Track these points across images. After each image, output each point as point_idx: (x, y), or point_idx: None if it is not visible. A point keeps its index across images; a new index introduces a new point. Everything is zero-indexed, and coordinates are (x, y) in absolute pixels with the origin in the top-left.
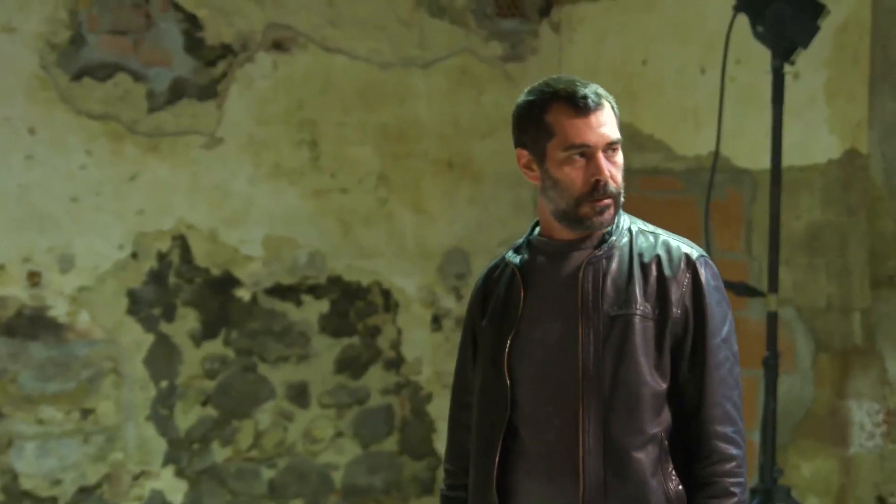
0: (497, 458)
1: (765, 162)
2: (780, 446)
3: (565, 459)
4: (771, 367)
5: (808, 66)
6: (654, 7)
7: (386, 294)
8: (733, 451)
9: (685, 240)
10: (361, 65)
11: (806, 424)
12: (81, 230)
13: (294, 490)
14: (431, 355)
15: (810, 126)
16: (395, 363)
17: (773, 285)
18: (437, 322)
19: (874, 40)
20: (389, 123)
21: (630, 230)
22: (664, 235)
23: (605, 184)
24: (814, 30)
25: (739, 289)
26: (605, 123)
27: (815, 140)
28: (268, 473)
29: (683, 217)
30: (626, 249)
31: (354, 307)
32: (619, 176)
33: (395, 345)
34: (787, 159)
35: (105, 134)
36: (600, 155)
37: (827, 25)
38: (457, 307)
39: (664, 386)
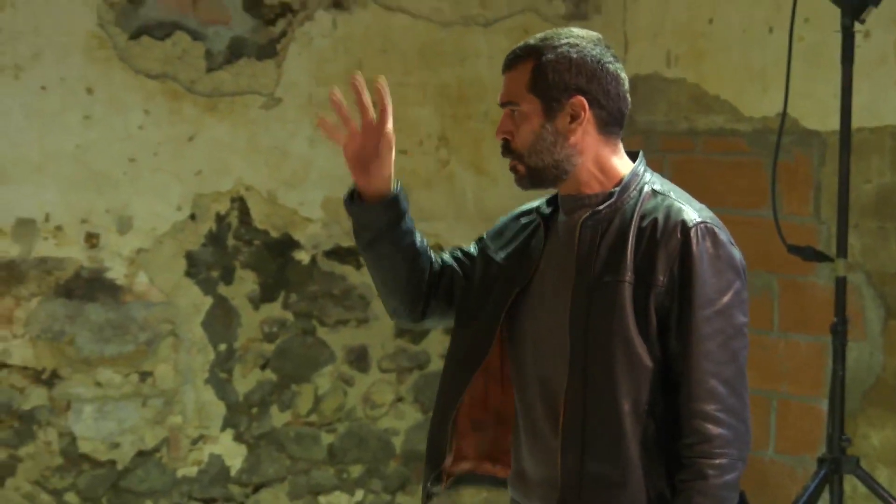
0: (458, 403)
1: (834, 123)
2: (849, 415)
3: (551, 424)
4: (839, 333)
5: (879, 25)
6: None
7: None
8: (714, 430)
9: (696, 205)
10: (422, 23)
11: (875, 392)
12: (139, 191)
13: (353, 455)
14: None
15: (881, 86)
16: None
17: (842, 250)
18: None
19: None
20: (450, 83)
21: (641, 189)
22: (673, 197)
23: (501, 142)
24: None
25: (807, 253)
26: (506, 85)
27: (885, 101)
28: (327, 438)
29: (750, 180)
30: (630, 210)
31: None
32: (519, 137)
33: None
34: (857, 121)
35: (163, 93)
36: (504, 114)
37: None
38: None
39: (652, 357)
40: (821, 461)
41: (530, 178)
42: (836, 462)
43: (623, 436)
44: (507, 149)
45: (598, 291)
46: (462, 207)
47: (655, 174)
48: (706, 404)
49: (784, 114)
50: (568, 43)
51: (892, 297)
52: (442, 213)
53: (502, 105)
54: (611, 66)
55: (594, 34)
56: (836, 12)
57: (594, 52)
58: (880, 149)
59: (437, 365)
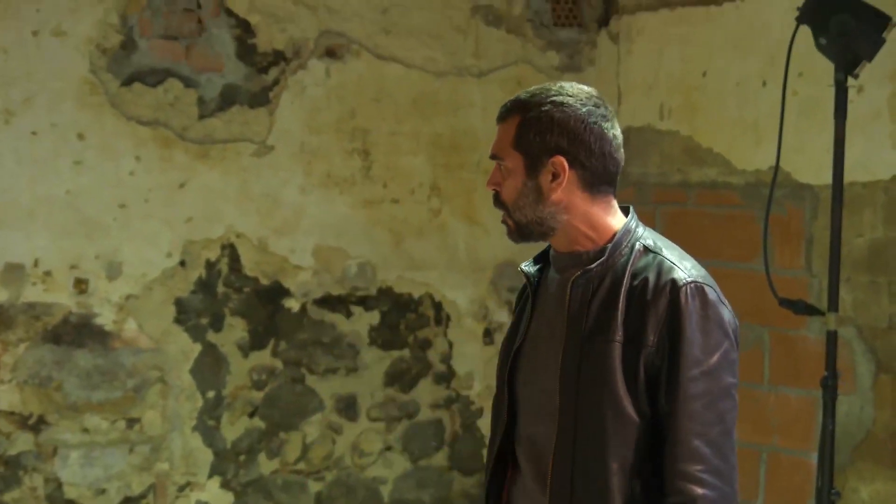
0: (491, 471)
1: (826, 177)
2: (839, 468)
3: (540, 483)
4: (829, 387)
5: (873, 80)
6: (715, 18)
7: (437, 307)
8: (698, 490)
9: (688, 263)
10: (415, 73)
11: (866, 446)
12: (129, 237)
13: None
14: (483, 370)
15: (874, 141)
16: (446, 377)
17: (834, 304)
18: (488, 336)
19: None
20: (443, 133)
21: (633, 246)
22: (665, 255)
23: (492, 193)
24: (879, 42)
25: (798, 307)
26: (496, 137)
27: (878, 155)
28: (315, 486)
29: (742, 232)
30: (622, 268)
31: (405, 319)
32: (504, 191)
33: (446, 358)
34: (850, 175)
35: (154, 140)
36: (495, 166)
37: (892, 38)
38: (509, 321)
39: (641, 417)
40: None
41: (518, 232)
42: None
43: (610, 494)
44: (497, 200)
45: (588, 351)
46: (454, 257)
47: (648, 229)
48: (690, 465)
49: (777, 167)
50: (553, 101)
51: (883, 351)
52: (433, 262)
53: (491, 158)
54: (596, 125)
55: (586, 90)
56: (830, 67)
57: (581, 112)
58: (872, 203)
59: (425, 414)
